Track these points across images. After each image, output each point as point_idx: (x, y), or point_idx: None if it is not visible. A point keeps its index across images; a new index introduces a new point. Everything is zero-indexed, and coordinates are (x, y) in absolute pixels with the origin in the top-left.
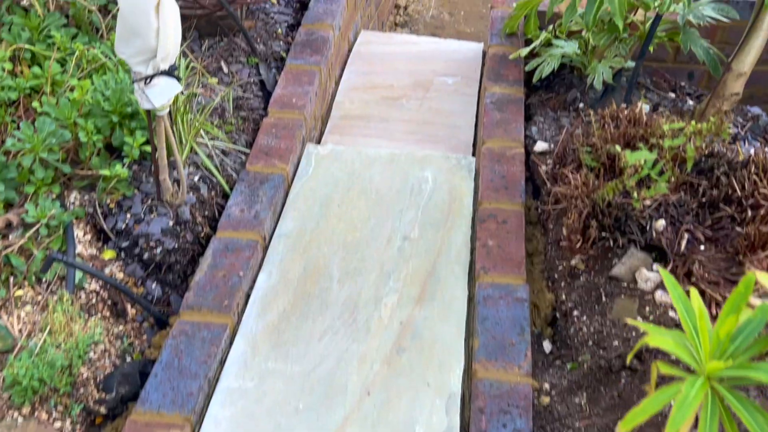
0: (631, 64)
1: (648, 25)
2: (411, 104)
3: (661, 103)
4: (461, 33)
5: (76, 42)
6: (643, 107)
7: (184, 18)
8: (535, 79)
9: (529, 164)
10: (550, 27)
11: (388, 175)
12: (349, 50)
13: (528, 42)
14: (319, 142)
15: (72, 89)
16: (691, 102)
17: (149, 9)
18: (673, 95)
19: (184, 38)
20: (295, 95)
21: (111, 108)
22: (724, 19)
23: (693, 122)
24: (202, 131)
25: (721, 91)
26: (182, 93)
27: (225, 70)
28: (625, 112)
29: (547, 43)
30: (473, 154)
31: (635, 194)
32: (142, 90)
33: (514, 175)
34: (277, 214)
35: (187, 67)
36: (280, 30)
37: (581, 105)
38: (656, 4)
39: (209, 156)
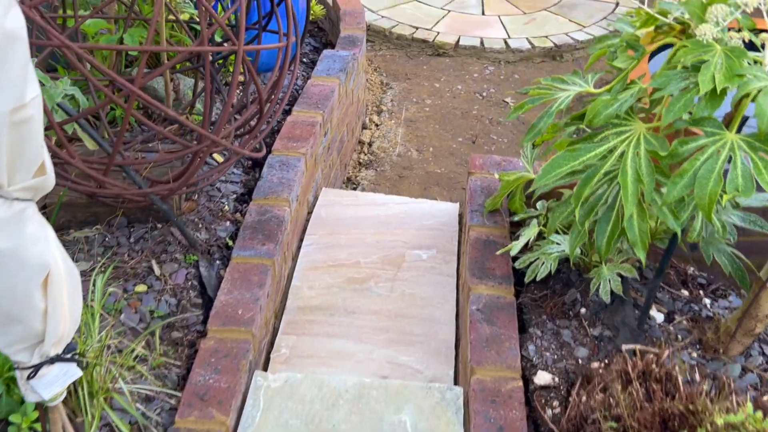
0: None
1: (657, 224)
2: (381, 289)
3: (675, 306)
4: (431, 174)
5: None
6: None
7: (110, 205)
8: (527, 280)
9: (528, 398)
10: (540, 204)
11: (356, 421)
12: (309, 213)
13: (515, 225)
14: (272, 346)
15: None
16: (707, 300)
17: (32, 289)
18: (686, 293)
19: (109, 225)
20: (241, 304)
21: None
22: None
23: (750, 410)
24: (120, 379)
25: (754, 311)
26: (99, 331)
27: (157, 271)
28: (656, 370)
29: (539, 231)
30: (456, 359)
31: None
32: (26, 380)
33: (513, 424)
34: None
35: (108, 280)
36: (226, 206)
37: (583, 310)
38: (680, 227)
39: (126, 410)
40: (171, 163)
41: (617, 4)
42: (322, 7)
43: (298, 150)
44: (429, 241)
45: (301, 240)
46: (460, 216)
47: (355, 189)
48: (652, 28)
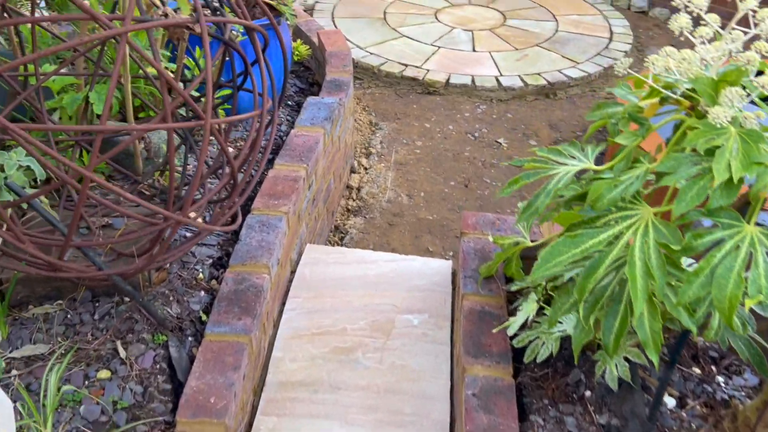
0: None
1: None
2: (369, 360)
3: (687, 387)
4: (422, 221)
5: None
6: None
7: (71, 281)
8: (527, 360)
9: None
10: (539, 272)
11: None
12: (292, 272)
13: (512, 294)
14: (250, 427)
15: None
16: (720, 379)
17: None
18: (698, 371)
19: (71, 300)
20: (213, 390)
21: None
22: None
23: None
24: None
25: None
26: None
27: (122, 354)
28: None
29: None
30: None
31: None
32: None
33: None
34: None
35: (68, 364)
36: (201, 274)
37: (588, 393)
38: (695, 325)
39: None
40: (139, 228)
41: (611, 39)
42: (308, 47)
43: (280, 208)
44: (420, 304)
45: (284, 303)
46: (453, 274)
47: (343, 238)
48: (656, 99)
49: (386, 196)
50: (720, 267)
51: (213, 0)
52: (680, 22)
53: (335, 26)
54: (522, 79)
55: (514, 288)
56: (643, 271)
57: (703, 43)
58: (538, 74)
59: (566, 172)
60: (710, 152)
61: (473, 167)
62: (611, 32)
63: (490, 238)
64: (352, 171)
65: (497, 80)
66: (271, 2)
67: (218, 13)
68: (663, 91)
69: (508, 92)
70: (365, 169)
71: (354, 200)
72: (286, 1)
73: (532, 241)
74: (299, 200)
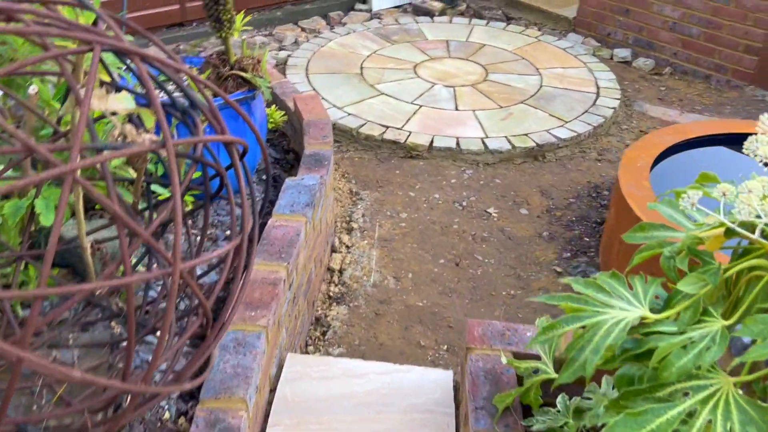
0: None
1: None
2: None
3: None
4: (411, 308)
5: None
6: None
7: None
8: None
9: None
10: (561, 402)
11: None
12: (272, 390)
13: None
14: None
15: None
16: None
17: None
18: None
19: None
20: None
21: None
22: None
23: None
24: None
25: None
26: None
27: None
28: None
29: None
30: None
31: None
32: None
33: None
34: None
35: None
36: (167, 413)
37: None
38: None
39: None
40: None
41: (598, 95)
42: (283, 112)
43: (258, 321)
44: (420, 430)
45: (263, 431)
46: (456, 388)
47: (325, 333)
48: (722, 230)
49: (371, 279)
50: None
51: (176, 91)
52: (764, 151)
53: (310, 83)
54: (509, 141)
55: (535, 427)
56: None
57: None
58: (526, 135)
59: (616, 322)
60: None
61: (463, 242)
62: (598, 86)
63: (503, 359)
64: (333, 250)
65: (483, 142)
66: (245, 75)
67: (188, 116)
68: (737, 230)
69: (495, 155)
70: (347, 247)
71: (336, 285)
72: (261, 72)
73: (556, 371)
74: (279, 306)
